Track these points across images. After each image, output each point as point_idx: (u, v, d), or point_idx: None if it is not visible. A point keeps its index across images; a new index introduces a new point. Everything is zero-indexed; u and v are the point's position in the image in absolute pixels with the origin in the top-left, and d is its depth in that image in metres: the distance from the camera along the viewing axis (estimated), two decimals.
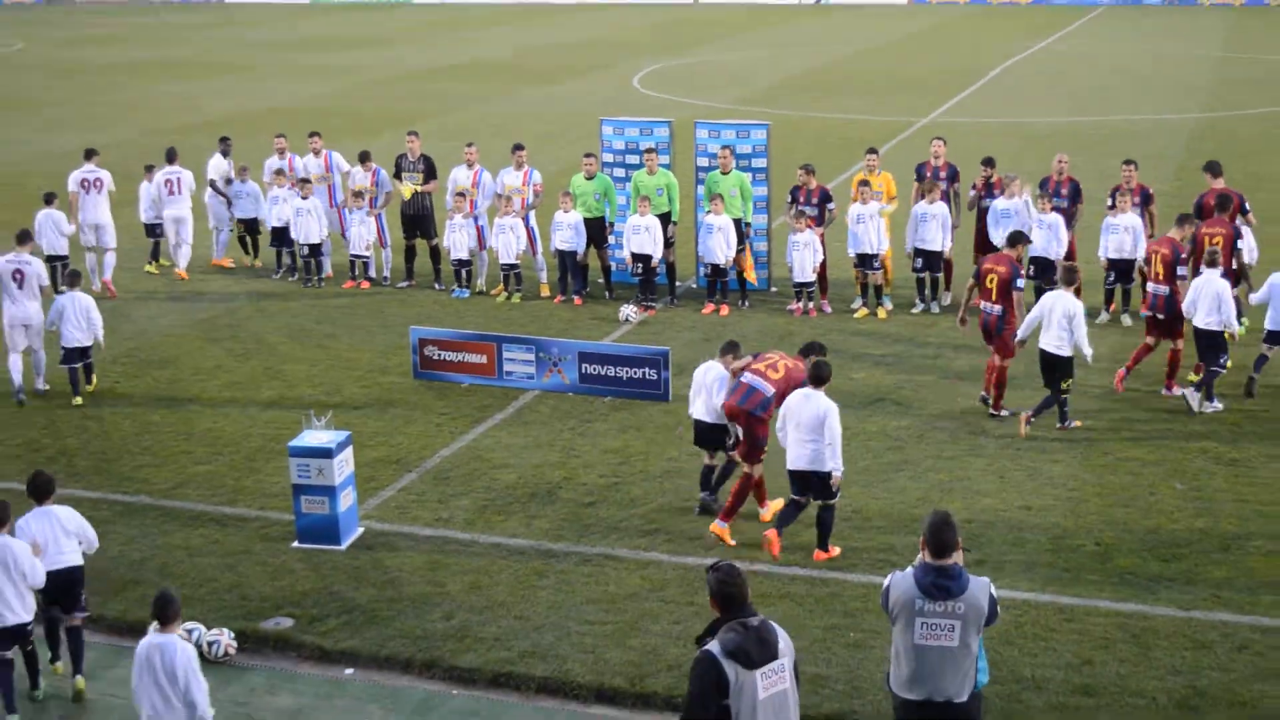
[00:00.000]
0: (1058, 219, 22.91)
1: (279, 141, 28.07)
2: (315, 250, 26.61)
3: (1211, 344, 19.22)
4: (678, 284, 25.41)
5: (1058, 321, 18.06)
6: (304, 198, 26.29)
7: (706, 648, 9.11)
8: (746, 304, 24.67)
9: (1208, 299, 19.04)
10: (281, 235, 26.84)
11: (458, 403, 20.12)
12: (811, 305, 24.20)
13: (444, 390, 20.64)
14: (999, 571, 14.72)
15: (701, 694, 9.04)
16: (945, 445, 18.14)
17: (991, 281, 18.99)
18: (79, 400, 20.62)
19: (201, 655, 13.70)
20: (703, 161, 25.43)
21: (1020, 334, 18.80)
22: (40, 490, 13.75)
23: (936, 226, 23.77)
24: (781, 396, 15.54)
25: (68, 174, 26.96)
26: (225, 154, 28.50)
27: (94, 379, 21.23)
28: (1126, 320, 23.05)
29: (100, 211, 26.01)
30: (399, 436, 18.83)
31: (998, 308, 18.95)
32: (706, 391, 16.25)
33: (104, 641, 14.19)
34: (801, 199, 24.37)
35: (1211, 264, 19.49)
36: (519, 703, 12.91)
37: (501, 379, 20.65)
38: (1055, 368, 18.14)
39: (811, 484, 15.33)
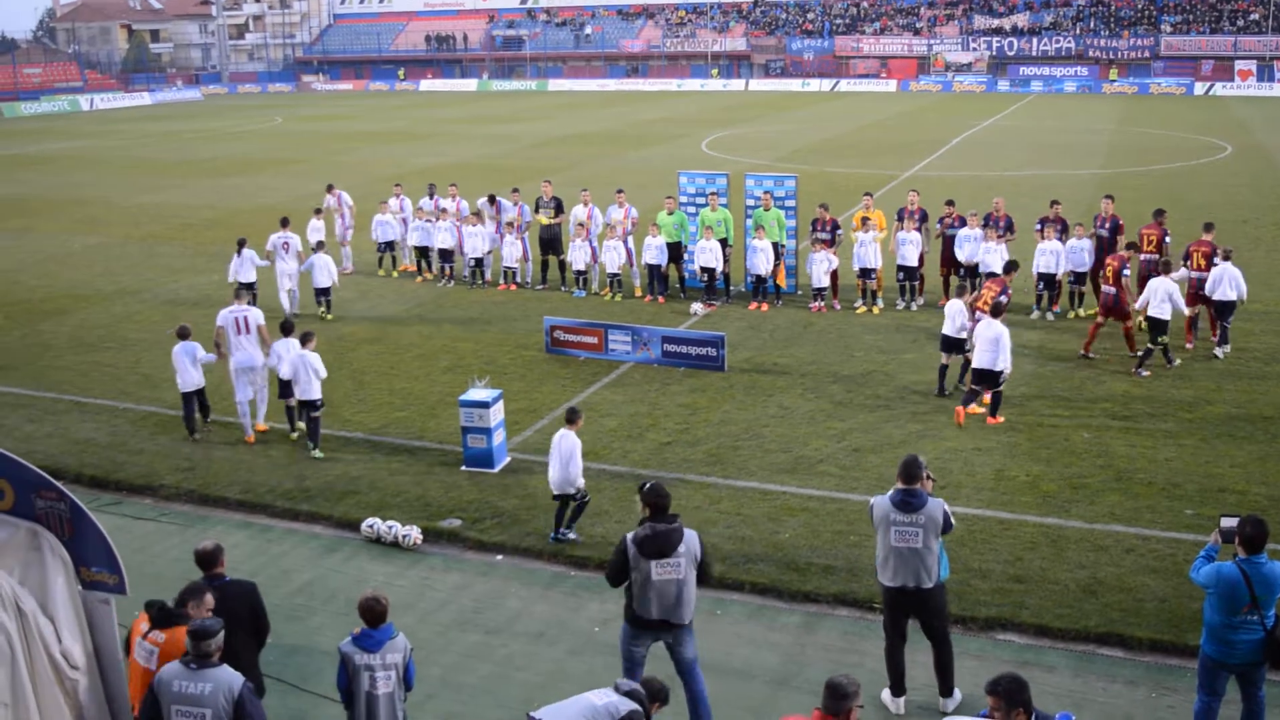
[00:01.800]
0: (1001, 246, 22.64)
1: (451, 189, 28.35)
2: (480, 263, 26.71)
3: (1156, 327, 19.22)
4: (731, 288, 25.28)
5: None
6: (473, 226, 26.60)
7: (626, 534, 9.84)
8: (780, 303, 24.46)
9: (1160, 295, 19.08)
10: (447, 254, 26.97)
11: (576, 371, 20.17)
12: (824, 304, 23.98)
13: (567, 362, 20.70)
14: (956, 494, 14.58)
15: (614, 564, 9.91)
16: (919, 404, 18.00)
17: (983, 300, 18.39)
18: (295, 435, 17.35)
19: (395, 543, 13.92)
20: (750, 201, 25.26)
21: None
22: (303, 339, 16.66)
23: (913, 249, 23.52)
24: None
25: (314, 205, 27.45)
26: (430, 195, 28.80)
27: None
28: (1049, 317, 22.77)
29: (290, 264, 24.31)
30: (535, 394, 18.92)
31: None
32: (560, 460, 13.64)
33: (332, 533, 14.38)
34: (819, 228, 24.19)
35: (1165, 270, 19.70)
36: None
37: (607, 354, 20.67)
38: (984, 379, 17.37)
39: (987, 377, 16.98)
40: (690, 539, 9.84)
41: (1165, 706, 10.48)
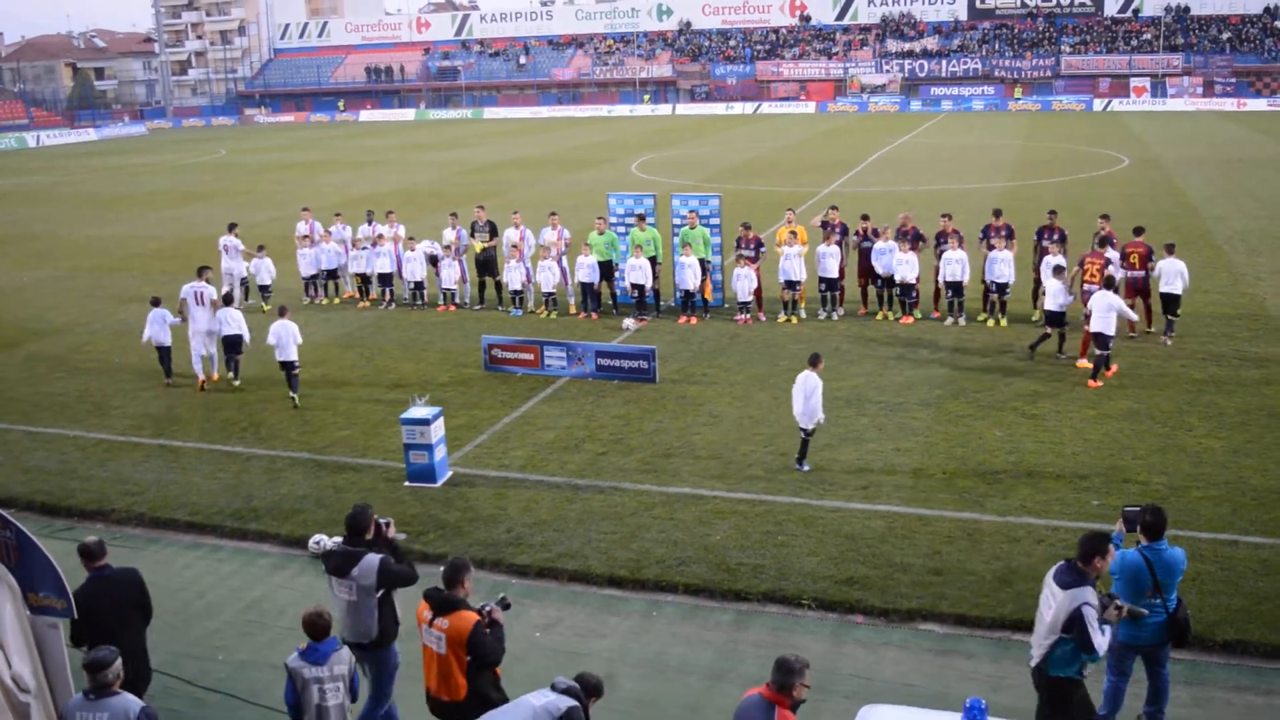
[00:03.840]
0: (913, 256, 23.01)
1: (389, 215, 28.18)
2: (419, 286, 26.59)
3: (1100, 341, 18.88)
4: (661, 303, 25.36)
5: None
6: (410, 250, 26.51)
7: (327, 549, 10.29)
8: (708, 315, 24.58)
9: (1102, 308, 18.70)
10: (387, 279, 26.84)
11: (514, 387, 20.10)
12: (749, 316, 24.12)
13: (505, 378, 20.62)
14: (878, 492, 14.71)
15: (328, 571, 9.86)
16: (841, 408, 18.11)
17: (1088, 274, 20.63)
18: (295, 396, 19.56)
19: None
20: (676, 220, 25.36)
21: None
22: (281, 310, 19.82)
23: (833, 262, 23.73)
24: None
25: (239, 238, 27.73)
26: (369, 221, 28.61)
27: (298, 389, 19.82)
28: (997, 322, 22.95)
29: (236, 264, 25.36)
30: (474, 410, 18.82)
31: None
32: (803, 395, 15.27)
33: (280, 551, 14.21)
34: (743, 245, 24.34)
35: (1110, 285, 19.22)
36: (556, 587, 12.92)
37: (543, 369, 20.62)
38: (1100, 342, 18.81)
39: (1102, 340, 18.64)
40: (366, 569, 9.54)
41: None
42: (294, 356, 19.65)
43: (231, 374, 21.07)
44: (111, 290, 30.41)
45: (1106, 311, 18.58)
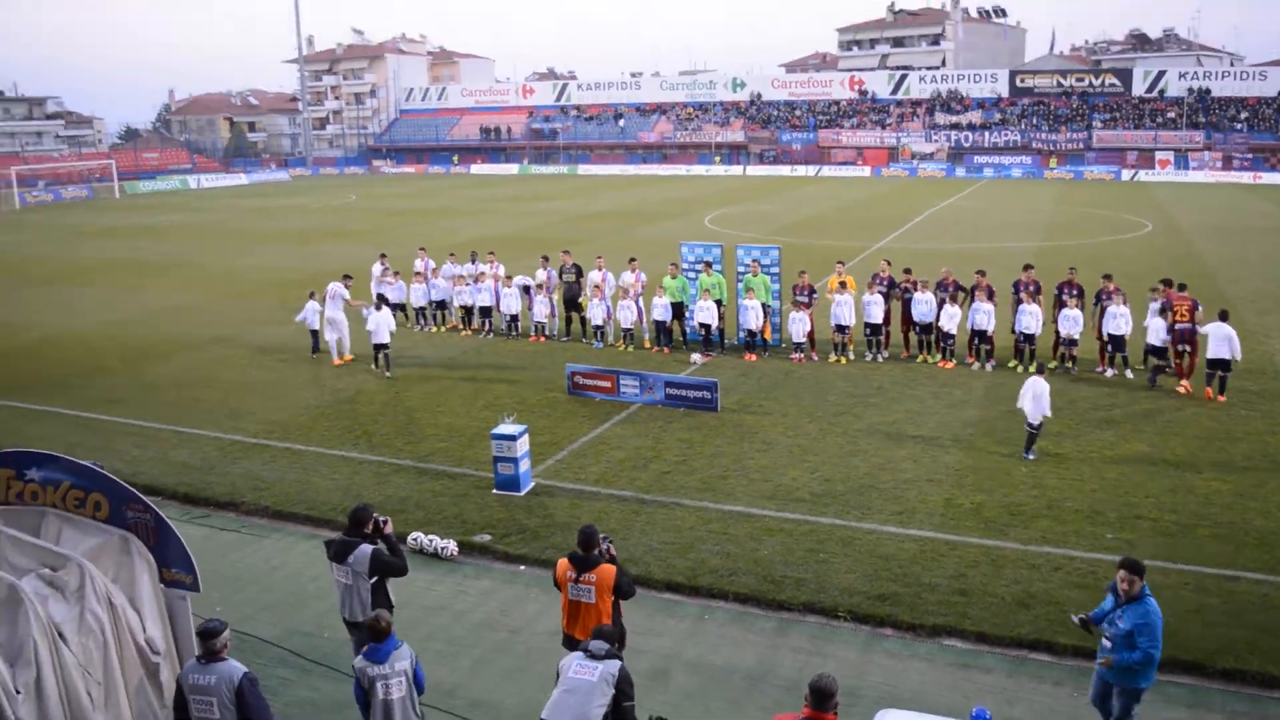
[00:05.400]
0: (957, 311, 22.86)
1: (489, 256, 28.49)
2: (514, 319, 26.82)
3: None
4: (725, 341, 25.23)
5: None
6: (508, 288, 26.78)
7: (361, 547, 9.83)
8: (766, 354, 24.39)
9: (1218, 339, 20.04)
10: (487, 311, 27.06)
11: (593, 410, 20.12)
12: (803, 355, 23.93)
13: (585, 402, 20.65)
14: (911, 518, 14.47)
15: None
16: (882, 441, 17.89)
17: (1179, 313, 20.87)
18: (390, 374, 22.80)
19: (435, 554, 13.88)
20: (741, 268, 25.24)
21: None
22: (377, 304, 23.26)
23: (878, 309, 23.48)
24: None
25: (369, 271, 28.25)
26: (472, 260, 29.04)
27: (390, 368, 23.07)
28: (1024, 370, 22.37)
29: (337, 308, 24.93)
30: (556, 429, 18.84)
31: None
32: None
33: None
34: (798, 292, 24.21)
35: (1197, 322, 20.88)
36: None
37: (619, 396, 20.62)
38: (1219, 366, 19.99)
39: (1221, 364, 19.73)
40: (360, 556, 9.82)
41: (1084, 705, 10.32)
42: (386, 340, 22.79)
43: (383, 368, 23.12)
44: (251, 313, 31.13)
45: (1224, 340, 19.84)
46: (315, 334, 25.22)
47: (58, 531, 9.18)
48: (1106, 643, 9.09)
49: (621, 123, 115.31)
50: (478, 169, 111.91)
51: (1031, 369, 22.23)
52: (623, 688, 8.01)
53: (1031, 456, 16.75)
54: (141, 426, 19.69)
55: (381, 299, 24.28)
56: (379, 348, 23.05)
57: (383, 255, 29.72)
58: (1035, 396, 16.59)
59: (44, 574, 8.83)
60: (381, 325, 23.01)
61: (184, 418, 20.18)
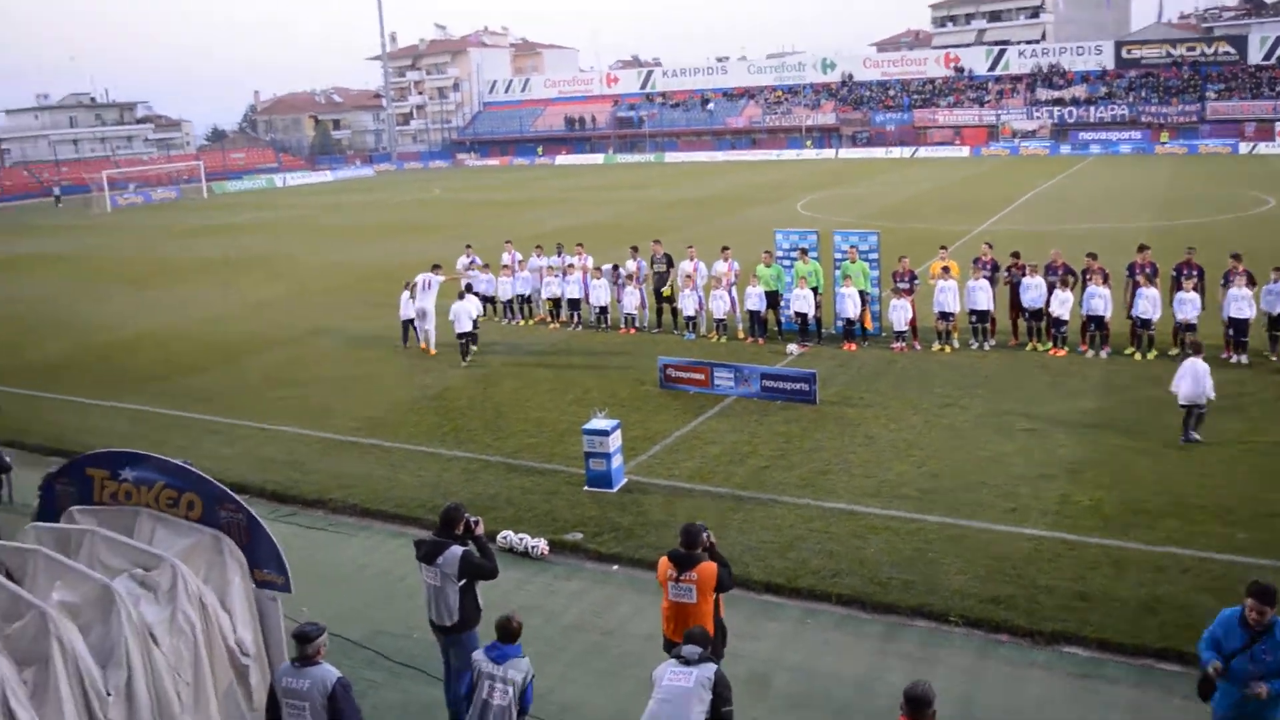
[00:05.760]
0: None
1: (578, 248, 28.57)
2: (603, 310, 26.74)
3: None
4: (822, 331, 24.83)
5: None
6: (598, 279, 26.73)
7: (452, 549, 9.72)
8: (866, 343, 23.89)
9: None
10: (575, 304, 27.06)
11: (686, 404, 19.92)
12: (905, 345, 23.38)
13: (678, 396, 20.47)
14: (1025, 516, 13.95)
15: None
16: (991, 434, 17.33)
17: None
18: (466, 363, 23.54)
19: (525, 553, 13.80)
20: (837, 255, 24.87)
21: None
22: (460, 295, 24.13)
23: (984, 295, 22.82)
24: None
25: (455, 265, 28.79)
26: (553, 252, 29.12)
27: (473, 350, 24.09)
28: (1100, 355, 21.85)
29: (428, 299, 25.36)
30: (650, 423, 18.70)
31: None
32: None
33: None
34: (899, 278, 23.67)
35: None
36: None
37: (713, 389, 20.37)
38: None
39: None
40: (450, 558, 9.70)
41: None
42: (468, 328, 23.53)
43: (462, 355, 23.82)
44: (339, 308, 31.59)
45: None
46: (406, 324, 25.58)
47: (151, 531, 9.26)
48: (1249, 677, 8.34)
49: (710, 107, 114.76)
50: (563, 159, 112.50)
51: (1151, 355, 21.37)
52: (720, 691, 7.81)
53: (1197, 437, 16.41)
54: (230, 424, 20.03)
55: (468, 288, 24.94)
56: (464, 337, 23.64)
57: (468, 247, 29.93)
58: (1195, 378, 16.28)
59: (136, 574, 8.90)
60: (462, 314, 23.62)
61: (272, 414, 20.48)
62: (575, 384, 21.70)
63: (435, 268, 25.72)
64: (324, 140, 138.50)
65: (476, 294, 25.29)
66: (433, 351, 24.90)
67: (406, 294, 25.70)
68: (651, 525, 14.22)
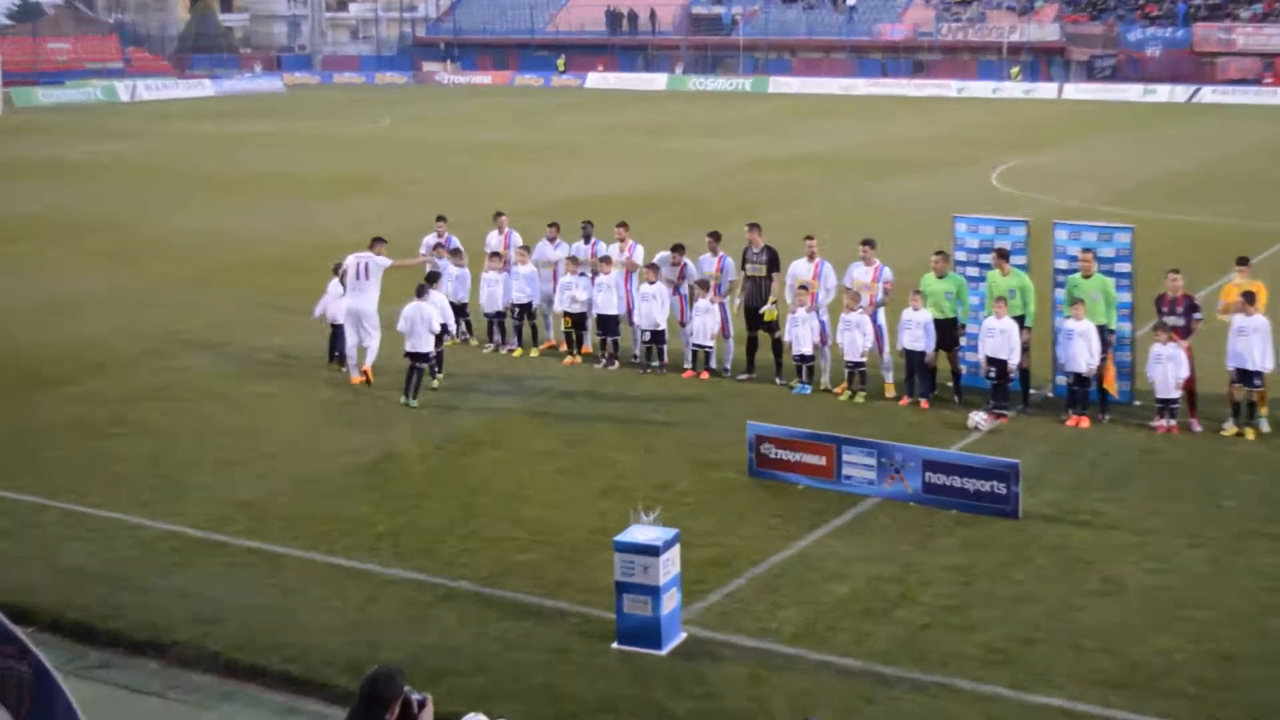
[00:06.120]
0: None
1: (619, 231, 28.60)
2: (657, 336, 26.60)
3: None
4: (1031, 391, 24.53)
5: None
6: (650, 284, 26.51)
7: None
8: (1106, 417, 23.52)
9: None
10: (610, 324, 26.99)
11: (792, 505, 19.62)
12: (1174, 423, 22.93)
13: (779, 490, 20.18)
14: None
15: None
16: None
17: None
18: (413, 402, 24.13)
19: None
20: (1062, 263, 24.58)
21: None
22: (419, 291, 24.35)
23: None
24: None
25: (418, 246, 29.38)
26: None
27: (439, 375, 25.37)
28: None
29: (366, 300, 25.82)
30: (729, 537, 18.39)
31: None
32: None
33: None
34: (1166, 307, 23.29)
35: None
36: None
37: (840, 483, 20.07)
38: None
39: None
40: None
41: None
42: (426, 347, 24.25)
43: (410, 391, 24.44)
44: (212, 313, 31.75)
45: None
46: (336, 333, 26.60)
47: None
48: None
49: (850, 3, 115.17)
50: (598, 79, 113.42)
51: None
52: None
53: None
54: (13, 501, 19.92)
55: (431, 278, 25.42)
56: (418, 360, 24.39)
57: (440, 221, 29.81)
58: None
59: None
60: (418, 322, 24.17)
61: (87, 488, 20.36)
62: (604, 461, 21.55)
63: (377, 244, 25.67)
64: (203, 29, 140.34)
65: (435, 282, 25.59)
66: (369, 379, 25.13)
67: (335, 283, 26.18)
68: (726, 717, 13.92)
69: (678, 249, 27.58)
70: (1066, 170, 56.00)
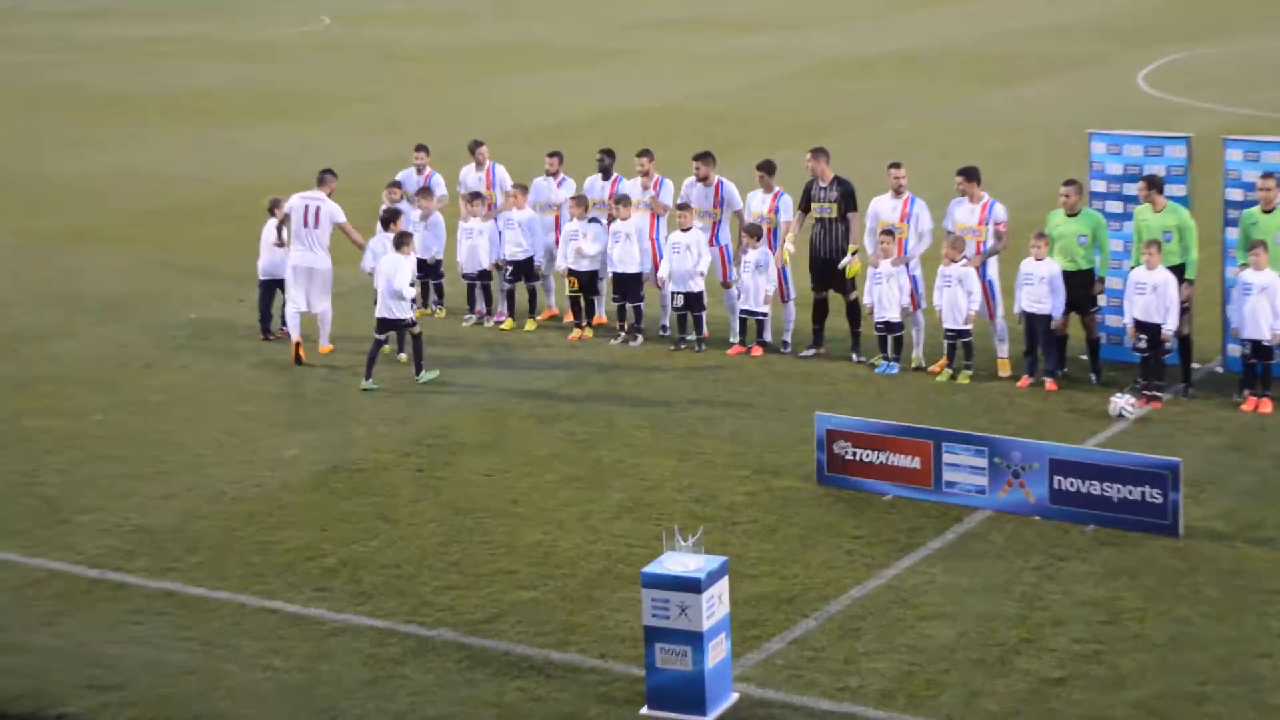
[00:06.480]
0: None
1: (641, 161, 28.48)
2: (693, 301, 26.68)
3: None
4: (1195, 366, 24.57)
5: None
6: (685, 231, 26.53)
7: None
8: None
9: None
10: (630, 284, 27.17)
11: (877, 522, 19.65)
12: None
13: (858, 504, 20.21)
14: None
15: None
16: None
17: None
18: (371, 384, 24.68)
19: None
20: (1235, 193, 24.66)
21: None
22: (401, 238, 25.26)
23: None
24: None
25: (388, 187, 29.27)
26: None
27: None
28: None
29: (315, 254, 26.33)
30: (793, 566, 18.37)
31: None
32: None
33: None
34: None
35: None
36: None
37: (940, 492, 20.13)
38: None
39: None
40: None
41: None
42: (405, 313, 25.04)
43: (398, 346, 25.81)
44: (93, 283, 31.92)
45: None
46: (268, 293, 26.70)
47: None
48: None
49: None
50: None
51: None
52: None
53: None
54: None
55: (390, 216, 26.27)
56: (388, 329, 24.88)
57: (420, 150, 29.77)
58: None
59: None
60: (386, 281, 24.60)
61: None
62: (626, 468, 21.66)
63: (325, 179, 25.70)
64: None
65: (408, 240, 25.63)
66: (324, 349, 25.71)
67: (271, 227, 26.46)
68: None
69: (644, 155, 27.88)
70: (1242, 67, 55.79)
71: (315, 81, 58.42)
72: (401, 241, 24.94)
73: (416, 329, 24.84)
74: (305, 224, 25.59)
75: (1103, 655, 16.27)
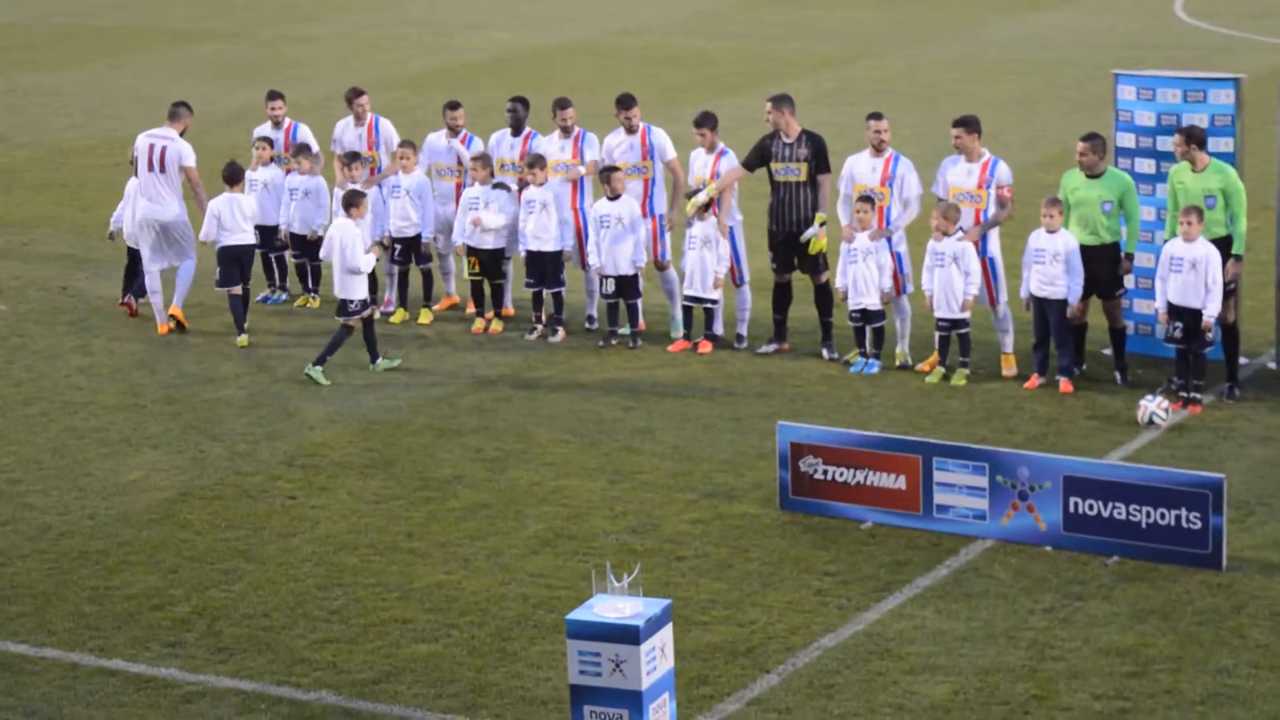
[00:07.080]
0: None
1: (564, 114, 28.77)
2: (627, 286, 27.04)
3: None
4: (1243, 361, 24.96)
5: None
6: (615, 197, 26.83)
7: None
8: None
9: None
10: (548, 264, 27.45)
11: (853, 555, 19.92)
12: None
13: (830, 533, 20.52)
14: None
15: None
16: None
17: None
18: (313, 371, 25.71)
19: None
20: None
21: None
22: (232, 177, 26.99)
23: None
24: None
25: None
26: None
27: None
28: None
29: (163, 204, 26.86)
30: (752, 610, 18.59)
31: None
32: None
33: None
34: None
35: None
36: None
37: (930, 518, 20.42)
38: None
39: None
40: None
41: None
42: (357, 293, 25.82)
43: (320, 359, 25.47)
44: None
45: None
46: (132, 260, 27.25)
47: None
48: None
49: None
50: None
51: None
52: None
53: None
54: None
55: (350, 196, 26.52)
56: (354, 312, 25.79)
57: (275, 97, 29.94)
58: None
59: None
60: (339, 254, 25.55)
61: None
62: (543, 491, 21.88)
63: (178, 113, 25.98)
64: None
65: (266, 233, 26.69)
66: (164, 327, 26.43)
67: (134, 182, 26.95)
68: None
69: (564, 105, 28.30)
70: None
71: (146, 12, 58.17)
72: (351, 202, 25.48)
73: (354, 319, 25.40)
74: (150, 167, 26.05)
75: (1129, 715, 16.55)
